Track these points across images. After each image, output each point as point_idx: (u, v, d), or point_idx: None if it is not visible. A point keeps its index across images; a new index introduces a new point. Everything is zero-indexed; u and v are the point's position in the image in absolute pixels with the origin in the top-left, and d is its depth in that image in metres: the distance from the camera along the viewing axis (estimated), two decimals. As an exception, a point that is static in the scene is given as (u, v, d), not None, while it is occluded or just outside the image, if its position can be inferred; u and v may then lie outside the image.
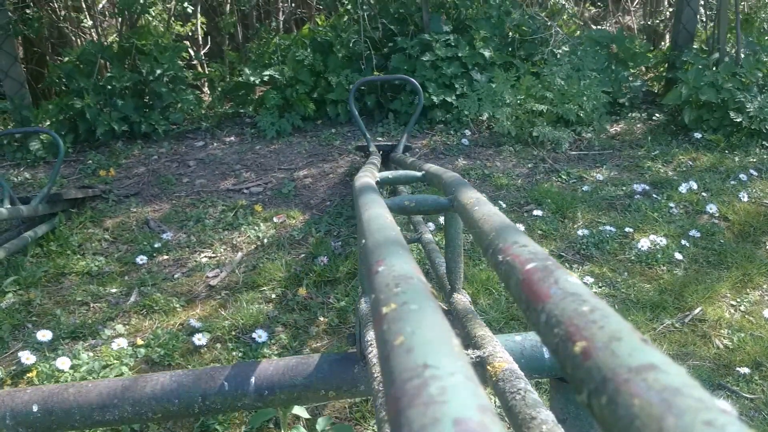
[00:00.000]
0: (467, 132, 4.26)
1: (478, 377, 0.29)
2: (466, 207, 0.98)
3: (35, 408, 1.56)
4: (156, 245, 3.10)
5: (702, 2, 4.93)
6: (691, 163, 3.75)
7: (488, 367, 1.13)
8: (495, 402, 1.58)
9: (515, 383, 1.00)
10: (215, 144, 4.49)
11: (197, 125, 4.82)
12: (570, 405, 1.47)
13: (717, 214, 3.15)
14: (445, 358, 0.30)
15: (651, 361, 0.29)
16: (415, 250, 2.59)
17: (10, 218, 2.87)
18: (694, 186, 3.37)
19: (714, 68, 4.20)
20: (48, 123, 4.45)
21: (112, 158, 4.26)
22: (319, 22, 5.01)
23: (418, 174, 1.51)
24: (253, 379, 1.57)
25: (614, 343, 0.31)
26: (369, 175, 1.54)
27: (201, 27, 5.82)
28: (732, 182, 3.46)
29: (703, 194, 3.33)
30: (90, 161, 4.21)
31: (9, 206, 2.89)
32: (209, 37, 5.97)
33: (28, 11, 4.81)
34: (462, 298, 1.58)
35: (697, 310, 2.46)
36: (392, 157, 2.29)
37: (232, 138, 4.59)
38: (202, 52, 5.51)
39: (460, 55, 4.52)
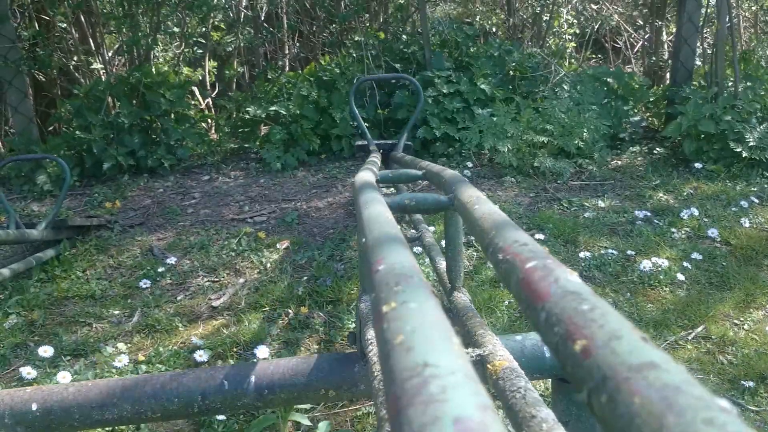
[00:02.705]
0: (469, 164, 4.30)
1: (479, 376, 0.30)
2: (466, 205, 0.99)
3: (34, 407, 1.55)
4: (159, 270, 3.12)
5: (699, 40, 5.02)
6: (692, 191, 3.77)
7: (488, 366, 1.13)
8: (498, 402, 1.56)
9: (515, 382, 1.00)
10: (220, 178, 4.54)
11: (203, 161, 4.88)
12: (572, 406, 1.46)
13: (719, 239, 3.16)
14: (446, 356, 0.30)
15: (651, 360, 0.29)
16: (415, 249, 2.60)
17: (16, 241, 2.89)
18: (696, 212, 3.39)
19: (713, 101, 4.26)
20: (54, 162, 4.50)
21: (117, 191, 4.31)
22: (323, 62, 5.11)
23: (418, 173, 1.53)
24: (253, 378, 1.56)
25: (614, 342, 0.31)
26: (369, 174, 1.56)
27: (210, 72, 5.95)
28: (733, 209, 3.47)
29: (705, 220, 3.34)
30: (96, 194, 4.25)
31: (15, 230, 2.92)
32: (217, 83, 6.09)
33: (38, 50, 4.92)
34: (462, 297, 1.58)
35: (700, 328, 2.45)
36: (392, 156, 2.32)
37: (238, 172, 4.64)
38: (210, 98, 5.60)
39: (461, 90, 4.59)
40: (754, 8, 6.02)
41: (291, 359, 1.60)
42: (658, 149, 4.62)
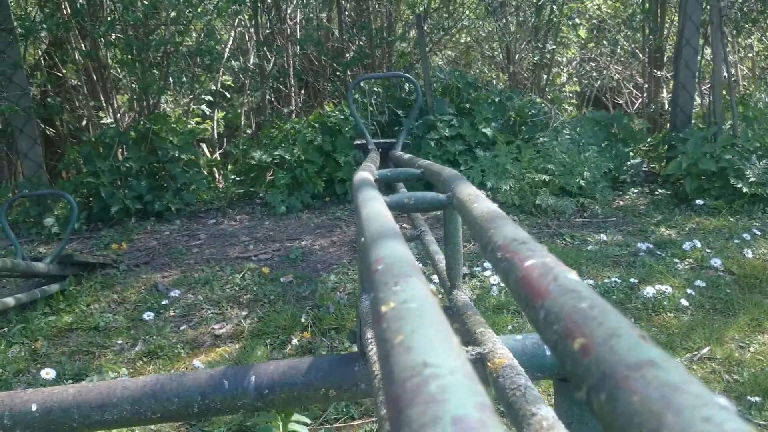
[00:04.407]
0: (472, 204, 4.34)
1: (478, 374, 0.30)
2: (465, 204, 1.01)
3: (34, 407, 1.55)
4: (163, 303, 3.13)
5: (697, 85, 5.12)
6: (694, 226, 3.79)
7: (488, 364, 1.13)
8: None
9: (515, 380, 1.00)
10: (226, 221, 4.59)
11: (209, 205, 4.93)
12: (574, 407, 1.45)
13: (722, 268, 3.16)
14: (445, 356, 0.30)
15: (650, 358, 0.29)
16: (415, 248, 2.60)
17: (21, 271, 2.91)
18: (698, 244, 3.40)
19: (712, 141, 4.31)
20: (62, 202, 4.57)
21: (124, 234, 4.35)
22: (328, 109, 5.21)
23: (417, 171, 1.55)
24: (253, 378, 1.56)
25: (613, 340, 0.31)
26: (368, 173, 1.59)
27: (219, 125, 6.07)
28: (736, 241, 3.48)
29: (707, 251, 3.35)
30: (103, 236, 4.29)
31: (21, 261, 2.95)
32: (223, 129, 6.21)
33: (49, 99, 5.05)
34: (462, 295, 1.59)
35: (705, 350, 2.44)
36: (391, 155, 2.34)
37: (243, 216, 4.69)
38: (218, 152, 5.70)
39: (463, 134, 4.67)
40: (751, 55, 6.14)
41: (291, 360, 1.60)
42: (659, 190, 4.65)
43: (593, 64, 7.22)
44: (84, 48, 4.71)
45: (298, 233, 4.18)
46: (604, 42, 6.36)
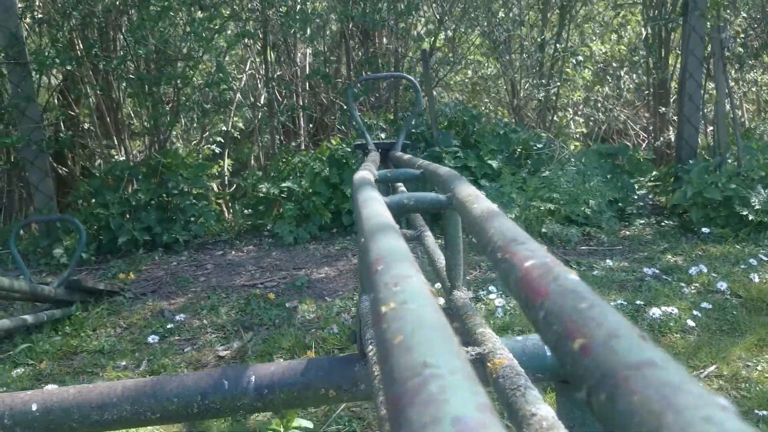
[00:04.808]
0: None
1: (478, 374, 0.31)
2: (464, 204, 1.02)
3: (34, 407, 1.55)
4: (168, 326, 3.13)
5: (702, 118, 5.15)
6: (700, 253, 3.78)
7: (488, 364, 1.14)
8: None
9: (515, 380, 1.01)
10: (234, 252, 4.61)
11: (217, 237, 4.96)
12: (576, 410, 1.44)
13: (728, 292, 3.14)
14: (445, 356, 0.30)
15: (650, 358, 0.29)
16: (415, 248, 2.60)
17: (28, 293, 2.92)
18: (704, 269, 3.39)
19: (716, 171, 4.33)
20: (72, 233, 4.61)
21: (132, 265, 4.37)
22: (334, 142, 5.28)
23: (417, 171, 1.57)
24: (253, 378, 1.56)
25: (613, 340, 0.31)
26: (368, 173, 1.61)
27: (228, 168, 6.13)
28: (742, 266, 3.46)
29: (714, 275, 3.33)
30: (111, 267, 4.32)
31: (29, 283, 2.97)
32: (232, 163, 6.28)
33: (61, 134, 5.14)
34: (462, 296, 1.59)
35: (712, 368, 2.41)
36: (391, 155, 2.35)
37: (251, 247, 4.71)
38: (226, 176, 5.77)
39: (469, 165, 4.71)
40: (754, 89, 6.20)
41: (291, 361, 1.60)
42: (666, 222, 4.65)
43: (599, 105, 7.29)
44: (96, 82, 4.80)
45: (305, 262, 4.19)
46: (608, 77, 6.43)
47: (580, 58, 6.64)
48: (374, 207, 0.94)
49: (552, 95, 6.19)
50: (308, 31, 4.85)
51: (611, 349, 0.30)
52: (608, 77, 6.43)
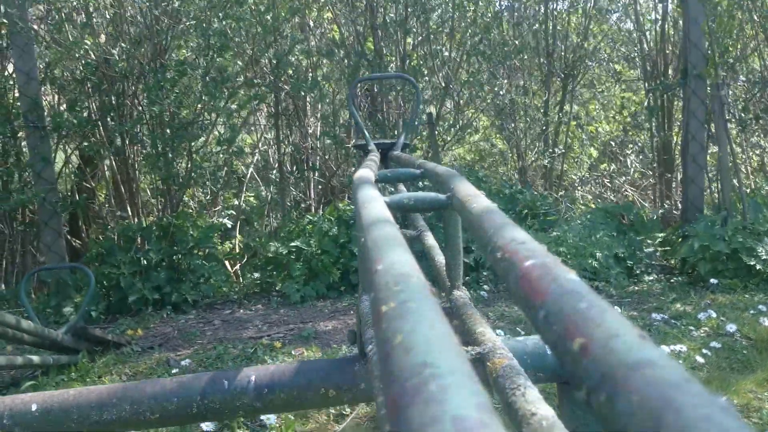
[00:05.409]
0: (486, 287, 4.34)
1: (478, 374, 0.33)
2: (464, 203, 1.04)
3: (34, 407, 1.54)
4: (174, 371, 3.11)
5: (706, 176, 5.20)
6: (709, 302, 3.74)
7: (488, 364, 1.14)
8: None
9: (515, 379, 1.01)
10: (242, 311, 4.61)
11: (225, 297, 4.97)
12: (578, 411, 1.42)
13: (738, 334, 3.10)
14: (445, 356, 0.30)
15: (649, 358, 0.29)
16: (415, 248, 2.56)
17: (35, 335, 2.92)
18: (713, 314, 3.35)
19: (722, 225, 4.34)
20: (82, 292, 4.64)
21: (141, 322, 4.37)
22: (341, 205, 5.34)
23: (417, 171, 1.59)
24: (253, 378, 1.55)
25: (612, 340, 0.31)
26: (368, 173, 1.64)
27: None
28: (751, 312, 3.43)
29: (722, 319, 3.30)
30: (120, 323, 4.33)
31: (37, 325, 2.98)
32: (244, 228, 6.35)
33: (77, 197, 5.24)
34: (462, 295, 1.59)
35: (722, 399, 2.36)
36: (391, 155, 2.36)
37: (259, 306, 4.71)
38: (237, 237, 5.82)
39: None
40: (758, 152, 6.26)
41: (291, 362, 1.60)
42: (674, 279, 4.63)
43: (606, 182, 7.38)
44: (111, 145, 4.93)
45: (312, 317, 4.19)
46: (614, 155, 6.53)
47: (584, 137, 6.79)
48: (374, 207, 0.96)
49: (557, 160, 6.29)
50: (317, 93, 5.00)
51: (611, 349, 0.31)
52: (614, 155, 6.54)
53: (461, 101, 5.92)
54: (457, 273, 1.59)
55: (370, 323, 1.42)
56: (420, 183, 2.63)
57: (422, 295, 0.38)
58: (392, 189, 2.21)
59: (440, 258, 1.75)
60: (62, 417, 1.53)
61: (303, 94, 5.02)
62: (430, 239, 1.85)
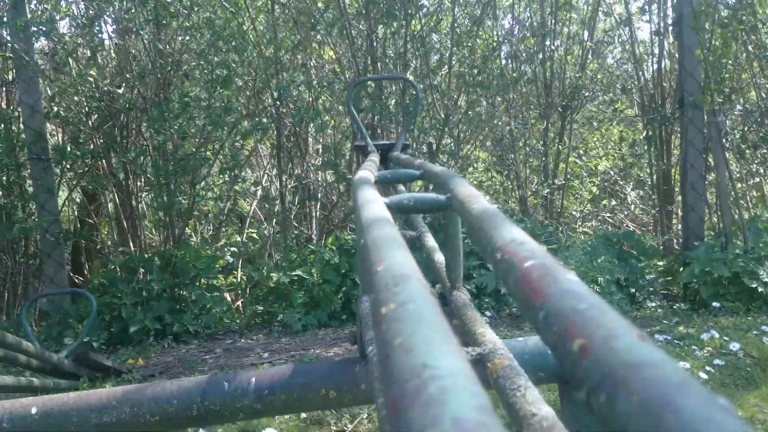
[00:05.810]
0: (488, 314, 4.33)
1: (478, 374, 0.31)
2: (464, 204, 1.05)
3: (33, 410, 1.54)
4: (174, 395, 3.09)
5: (706, 205, 5.22)
6: (712, 324, 3.73)
7: (488, 365, 1.15)
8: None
9: (515, 380, 1.02)
10: (243, 340, 4.59)
11: (227, 327, 4.95)
12: (579, 411, 1.42)
13: (741, 353, 3.08)
14: (445, 358, 0.30)
15: (649, 358, 0.29)
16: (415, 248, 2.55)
17: (36, 355, 2.91)
18: (716, 335, 3.34)
19: (723, 250, 4.35)
20: (84, 321, 4.62)
21: (142, 352, 4.35)
22: (343, 235, 5.35)
23: (416, 172, 1.60)
24: (253, 380, 1.55)
25: (612, 341, 0.31)
26: (367, 174, 1.65)
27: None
28: (754, 332, 3.42)
29: (725, 338, 3.28)
30: (121, 353, 4.31)
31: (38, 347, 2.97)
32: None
33: (80, 228, 5.26)
34: (462, 296, 1.59)
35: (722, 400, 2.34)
36: (390, 156, 2.35)
37: (260, 335, 4.69)
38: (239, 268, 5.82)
39: (476, 251, 4.74)
40: (757, 179, 6.29)
41: (292, 364, 1.59)
42: (676, 305, 4.61)
43: (607, 217, 7.39)
44: (114, 177, 4.98)
45: (314, 345, 4.17)
46: (614, 190, 6.56)
47: (584, 173, 6.82)
48: (374, 208, 0.97)
49: (557, 194, 6.31)
50: (319, 123, 5.06)
51: (611, 349, 0.31)
52: (614, 192, 6.56)
53: (461, 135, 5.98)
54: (457, 273, 1.59)
55: (370, 324, 1.42)
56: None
57: (422, 296, 0.39)
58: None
59: (440, 259, 1.75)
60: (62, 420, 1.52)
61: (304, 123, 5.07)
62: (430, 240, 1.86)
